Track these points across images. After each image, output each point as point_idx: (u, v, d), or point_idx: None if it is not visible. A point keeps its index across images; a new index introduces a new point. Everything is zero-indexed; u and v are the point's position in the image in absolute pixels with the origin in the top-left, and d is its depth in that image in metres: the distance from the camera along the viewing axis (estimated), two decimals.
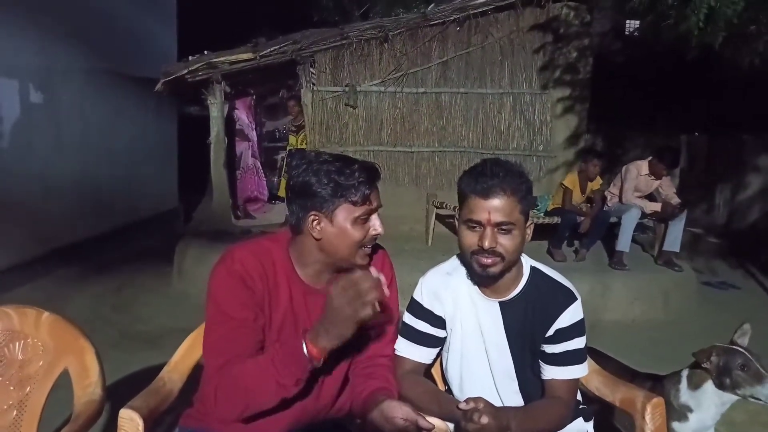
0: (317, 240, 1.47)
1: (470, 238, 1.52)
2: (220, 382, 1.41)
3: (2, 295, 4.68)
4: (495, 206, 1.46)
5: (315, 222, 1.45)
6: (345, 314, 1.32)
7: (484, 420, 1.36)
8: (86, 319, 4.35)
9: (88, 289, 5.31)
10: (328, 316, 1.35)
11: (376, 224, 1.49)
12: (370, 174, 1.46)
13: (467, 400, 1.41)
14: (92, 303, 4.97)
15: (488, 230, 1.48)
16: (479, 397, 1.42)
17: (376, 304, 1.32)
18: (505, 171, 1.49)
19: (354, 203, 1.43)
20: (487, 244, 1.47)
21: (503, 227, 1.48)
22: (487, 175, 1.48)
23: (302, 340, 1.35)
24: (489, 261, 1.50)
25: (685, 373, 2.14)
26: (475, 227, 1.50)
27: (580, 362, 1.61)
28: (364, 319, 1.33)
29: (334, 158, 1.46)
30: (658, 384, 2.22)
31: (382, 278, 1.35)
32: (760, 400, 1.95)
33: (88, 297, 5.11)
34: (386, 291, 1.36)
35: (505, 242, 1.49)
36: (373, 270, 1.35)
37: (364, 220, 1.46)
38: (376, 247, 1.64)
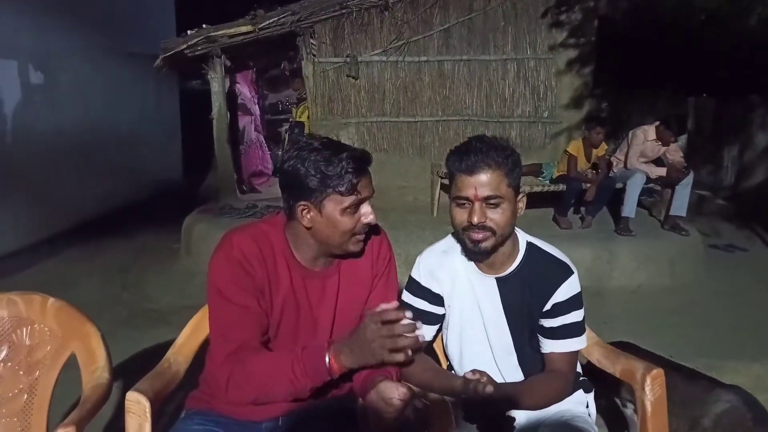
0: (308, 228, 1.48)
1: (460, 215, 1.54)
2: (232, 370, 1.43)
3: (9, 279, 4.73)
4: (481, 181, 1.48)
5: (304, 211, 1.46)
6: (371, 348, 1.36)
7: (489, 389, 1.39)
8: (95, 299, 4.39)
9: (95, 270, 5.34)
10: (356, 340, 1.39)
11: (367, 213, 1.49)
12: (358, 163, 1.44)
13: (473, 371, 1.45)
14: (100, 283, 5.00)
15: (476, 205, 1.49)
16: (483, 371, 1.45)
17: (409, 351, 1.36)
18: (488, 146, 1.50)
19: (341, 194, 1.43)
20: (476, 219, 1.49)
21: (491, 201, 1.49)
22: (471, 151, 1.50)
23: (326, 353, 1.39)
24: (480, 236, 1.51)
25: None
26: (464, 204, 1.52)
27: (579, 335, 1.63)
28: (388, 361, 1.37)
29: (324, 146, 1.44)
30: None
31: (419, 325, 1.38)
32: None
33: (96, 277, 5.13)
34: (421, 339, 1.41)
35: (495, 216, 1.50)
36: (408, 314, 1.38)
37: (353, 209, 1.46)
38: (374, 228, 1.64)
